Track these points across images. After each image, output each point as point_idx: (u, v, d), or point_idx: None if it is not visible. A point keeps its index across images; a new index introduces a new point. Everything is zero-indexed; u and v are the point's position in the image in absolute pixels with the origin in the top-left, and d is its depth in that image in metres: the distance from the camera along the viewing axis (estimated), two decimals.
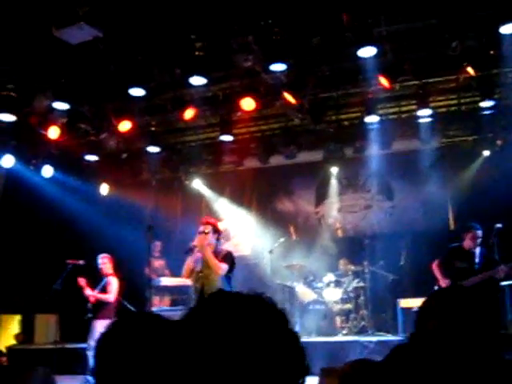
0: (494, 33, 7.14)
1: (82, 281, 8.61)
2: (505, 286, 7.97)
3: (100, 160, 10.83)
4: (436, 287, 7.94)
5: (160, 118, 10.08)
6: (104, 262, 8.82)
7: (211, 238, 6.69)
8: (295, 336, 1.20)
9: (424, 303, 1.92)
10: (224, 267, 6.57)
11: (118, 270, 9.10)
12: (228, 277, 6.71)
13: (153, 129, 10.26)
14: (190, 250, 6.74)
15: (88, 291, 8.57)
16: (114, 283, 8.70)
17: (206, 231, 6.63)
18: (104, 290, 8.65)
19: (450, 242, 8.25)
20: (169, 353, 1.68)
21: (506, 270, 7.41)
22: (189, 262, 6.67)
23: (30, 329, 11.45)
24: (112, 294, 8.62)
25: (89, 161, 10.79)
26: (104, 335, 1.76)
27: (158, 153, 10.64)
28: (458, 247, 7.75)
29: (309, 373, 1.19)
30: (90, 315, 8.47)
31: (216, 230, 6.80)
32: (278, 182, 12.47)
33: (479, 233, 7.51)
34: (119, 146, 10.24)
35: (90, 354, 8.26)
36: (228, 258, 6.72)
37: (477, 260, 7.61)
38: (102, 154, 10.61)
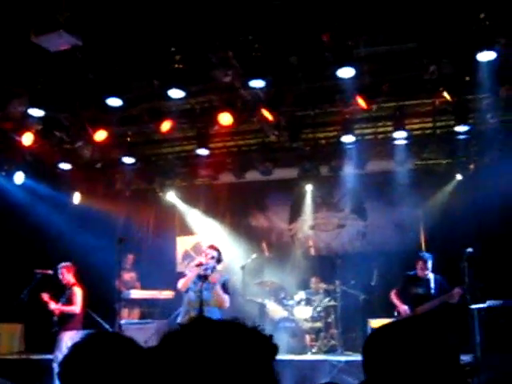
0: (470, 59, 7.24)
1: (45, 296, 8.44)
2: (474, 309, 8.00)
3: (74, 169, 10.67)
4: (396, 313, 8.04)
5: (136, 128, 9.99)
6: (63, 272, 8.63)
7: (213, 263, 7.01)
8: (271, 360, 1.17)
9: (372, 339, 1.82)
10: (228, 300, 7.16)
11: (85, 279, 8.96)
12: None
13: (129, 139, 10.17)
14: (197, 266, 7.15)
15: (52, 305, 8.39)
16: (78, 293, 8.53)
17: (211, 255, 7.01)
18: (68, 301, 8.48)
19: None
20: (138, 378, 1.65)
21: (460, 292, 7.56)
22: (189, 278, 6.93)
23: None
24: (77, 306, 8.46)
25: (62, 169, 10.63)
26: (69, 356, 1.73)
27: (132, 164, 10.52)
28: (414, 274, 7.98)
29: None
30: (56, 328, 8.32)
31: (219, 259, 7.16)
32: (252, 198, 12.45)
33: (427, 262, 7.89)
34: (94, 156, 10.11)
35: (56, 366, 8.12)
36: (228, 287, 7.30)
37: (432, 286, 7.78)
38: (76, 162, 10.47)
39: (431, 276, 7.96)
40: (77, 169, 10.68)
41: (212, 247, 7.33)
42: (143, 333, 9.95)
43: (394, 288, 8.28)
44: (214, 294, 7.04)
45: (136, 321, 10.64)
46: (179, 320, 7.11)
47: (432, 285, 7.91)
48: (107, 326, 9.85)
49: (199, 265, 7.10)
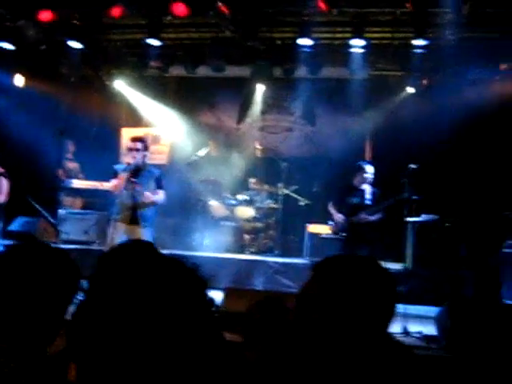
0: None
1: None
2: (409, 222, 8.25)
3: (16, 49, 10.00)
4: (331, 222, 8.25)
5: (85, 12, 9.41)
6: None
7: (141, 154, 6.93)
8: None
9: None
10: (162, 196, 7.19)
11: (27, 166, 8.68)
12: None
13: (76, 22, 9.60)
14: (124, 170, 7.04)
15: None
16: (4, 183, 8.26)
17: (137, 147, 6.90)
18: None
19: None
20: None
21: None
22: (121, 181, 6.87)
23: None
24: (3, 196, 8.22)
25: (4, 48, 9.96)
26: None
27: (79, 49, 9.99)
28: (348, 185, 8.12)
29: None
30: None
31: (146, 147, 7.07)
32: (202, 94, 12.16)
33: (365, 173, 8.01)
34: (38, 37, 9.51)
35: None
36: (161, 181, 7.27)
37: (367, 196, 7.96)
38: (18, 42, 9.81)
39: (367, 187, 8.10)
40: (20, 50, 10.03)
41: (134, 140, 7.19)
42: (83, 223, 9.97)
43: (332, 197, 8.44)
44: (145, 194, 7.01)
45: (77, 211, 10.57)
46: (113, 217, 7.12)
47: (367, 195, 8.07)
48: (47, 215, 9.79)
49: (128, 166, 7.02)
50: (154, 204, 7.13)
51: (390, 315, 1.71)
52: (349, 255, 1.80)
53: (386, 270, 1.75)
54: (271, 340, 2.73)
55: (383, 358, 1.65)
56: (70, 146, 10.99)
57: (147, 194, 6.97)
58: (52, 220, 9.83)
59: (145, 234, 6.99)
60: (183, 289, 1.12)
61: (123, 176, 6.96)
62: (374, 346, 1.66)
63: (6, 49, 9.87)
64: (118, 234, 6.98)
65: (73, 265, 1.75)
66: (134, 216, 6.99)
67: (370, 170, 8.06)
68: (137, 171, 7.02)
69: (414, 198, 7.40)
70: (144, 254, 1.19)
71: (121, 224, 7.01)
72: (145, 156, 7.13)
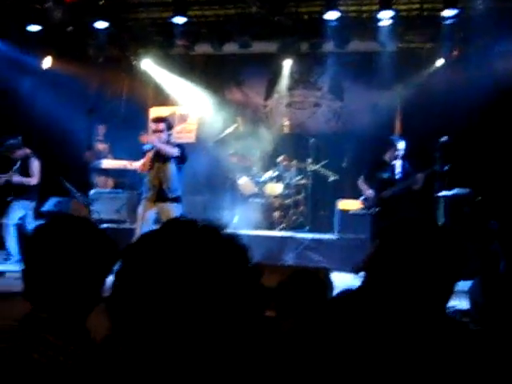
0: None
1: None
2: (440, 196, 8.18)
3: (43, 31, 10.07)
4: (362, 197, 8.21)
5: None
6: (14, 150, 8.34)
7: (165, 135, 6.87)
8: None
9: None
10: (176, 150, 6.97)
11: (58, 147, 8.75)
12: (179, 167, 7.12)
13: (102, 2, 9.61)
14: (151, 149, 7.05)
15: (16, 177, 8.22)
16: (36, 165, 8.36)
17: (160, 129, 6.91)
18: (25, 172, 8.30)
19: None
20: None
21: (423, 177, 7.66)
22: (147, 160, 6.93)
23: None
24: (36, 178, 8.31)
25: (31, 31, 10.03)
26: (32, 236, 1.75)
27: (106, 28, 10.02)
28: (379, 160, 8.03)
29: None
30: (11, 197, 8.23)
31: (169, 126, 7.06)
32: (229, 71, 12.10)
33: (397, 147, 7.92)
34: (64, 18, 9.54)
35: (4, 232, 8.18)
36: (182, 146, 7.22)
37: (397, 171, 7.88)
38: (45, 24, 9.87)
39: (398, 162, 8.02)
40: (47, 31, 10.08)
41: (156, 121, 7.20)
42: (115, 202, 10.09)
43: (362, 172, 8.38)
44: (162, 159, 7.02)
45: (108, 190, 10.70)
46: (144, 196, 7.17)
47: (397, 170, 8.00)
48: (79, 195, 9.91)
49: (151, 147, 7.03)
50: (170, 157, 6.99)
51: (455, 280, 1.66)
52: (415, 218, 1.73)
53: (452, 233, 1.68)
54: (305, 311, 2.74)
55: (442, 333, 1.61)
56: (100, 130, 11.11)
57: (163, 145, 6.95)
58: (84, 200, 9.96)
59: (174, 209, 7.01)
60: (227, 256, 1.11)
61: (149, 155, 7.00)
62: (434, 322, 1.62)
63: (33, 31, 9.94)
64: (148, 212, 7.03)
65: (109, 238, 1.78)
66: (160, 192, 7.02)
67: (401, 145, 7.97)
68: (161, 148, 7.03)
69: (445, 169, 7.31)
70: (181, 227, 1.17)
71: (149, 202, 7.05)
72: (170, 135, 7.14)
